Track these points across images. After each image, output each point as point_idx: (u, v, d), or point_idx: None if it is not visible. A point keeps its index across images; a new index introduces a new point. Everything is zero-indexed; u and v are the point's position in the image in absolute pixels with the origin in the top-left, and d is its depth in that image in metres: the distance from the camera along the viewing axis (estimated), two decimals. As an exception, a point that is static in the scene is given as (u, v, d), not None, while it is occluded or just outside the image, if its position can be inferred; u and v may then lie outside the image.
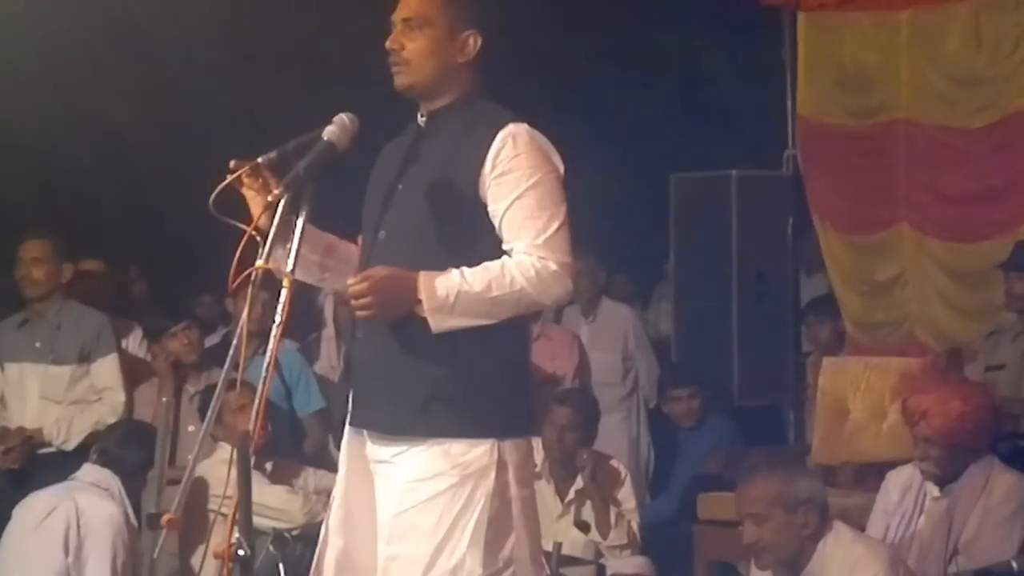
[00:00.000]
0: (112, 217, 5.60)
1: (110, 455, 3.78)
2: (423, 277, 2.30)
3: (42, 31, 4.84)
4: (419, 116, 2.48)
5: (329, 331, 4.80)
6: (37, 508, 3.64)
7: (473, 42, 2.43)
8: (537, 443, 3.76)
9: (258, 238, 2.24)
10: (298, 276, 2.25)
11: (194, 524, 3.40)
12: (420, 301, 2.29)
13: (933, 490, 3.24)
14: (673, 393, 5.04)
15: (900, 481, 3.33)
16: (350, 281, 2.31)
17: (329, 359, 4.77)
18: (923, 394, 3.24)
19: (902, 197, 5.08)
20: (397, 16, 2.43)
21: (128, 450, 3.79)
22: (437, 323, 2.30)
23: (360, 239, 2.54)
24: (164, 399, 3.86)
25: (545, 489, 3.86)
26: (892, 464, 3.48)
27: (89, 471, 3.71)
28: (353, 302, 2.29)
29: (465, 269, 2.32)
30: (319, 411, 4.35)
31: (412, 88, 2.43)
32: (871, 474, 3.88)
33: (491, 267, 2.32)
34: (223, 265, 2.20)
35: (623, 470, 3.98)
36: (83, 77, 5.08)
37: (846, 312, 5.19)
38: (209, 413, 2.25)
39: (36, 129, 5.11)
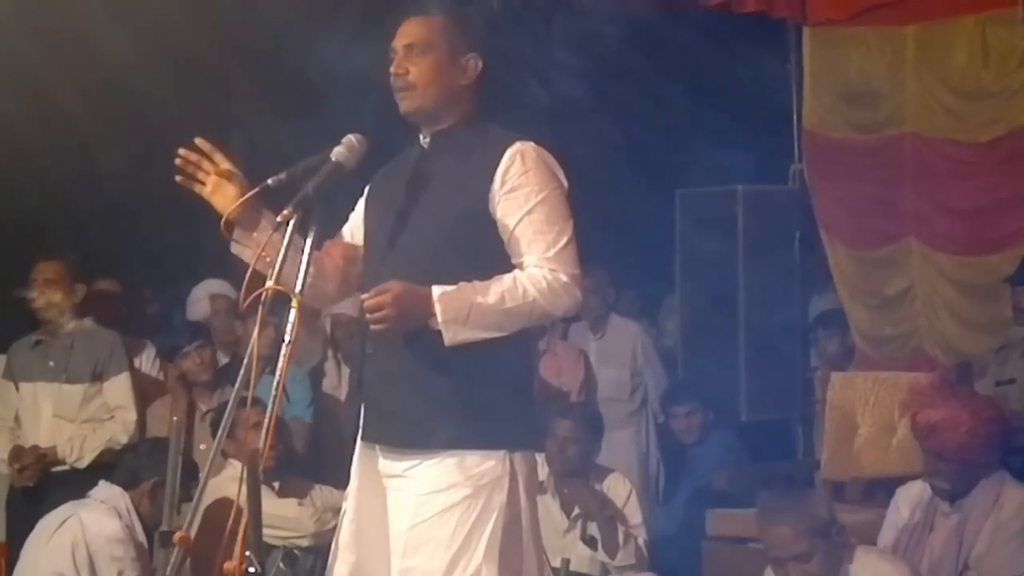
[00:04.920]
0: (125, 238, 5.63)
1: (124, 467, 3.80)
2: (437, 291, 2.33)
3: (56, 51, 4.88)
4: (421, 138, 2.52)
5: (329, 352, 4.83)
6: (48, 526, 3.66)
7: (474, 65, 2.48)
8: (541, 458, 3.76)
9: (268, 259, 2.27)
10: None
11: (216, 542, 3.39)
12: (435, 314, 2.32)
13: (943, 505, 3.23)
14: (673, 410, 5.05)
15: (910, 496, 3.33)
16: (365, 296, 2.34)
17: (330, 380, 4.79)
18: (933, 409, 3.23)
19: (910, 211, 5.08)
20: (398, 43, 2.48)
21: (141, 461, 3.81)
22: (451, 336, 2.33)
23: (349, 254, 2.56)
24: (175, 418, 3.87)
25: (551, 504, 3.86)
26: (902, 479, 3.47)
27: (101, 489, 3.73)
28: (369, 316, 2.32)
29: (478, 282, 2.36)
30: (303, 421, 4.35)
31: (418, 111, 2.48)
32: (880, 489, 3.88)
33: (503, 280, 2.37)
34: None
35: (627, 484, 3.97)
36: (92, 103, 5.13)
37: (854, 326, 5.18)
38: (220, 431, 2.27)
39: (49, 152, 5.15)
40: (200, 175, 2.45)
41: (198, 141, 2.45)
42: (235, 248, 2.46)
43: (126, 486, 3.72)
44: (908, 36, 5.07)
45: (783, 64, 5.42)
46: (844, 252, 5.25)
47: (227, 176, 2.44)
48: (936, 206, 5.02)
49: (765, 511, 3.02)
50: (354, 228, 2.60)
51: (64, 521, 3.61)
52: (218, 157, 2.45)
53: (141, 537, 3.69)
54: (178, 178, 2.45)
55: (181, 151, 2.45)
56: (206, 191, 2.44)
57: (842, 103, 5.26)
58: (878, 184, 5.16)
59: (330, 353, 4.83)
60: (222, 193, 2.43)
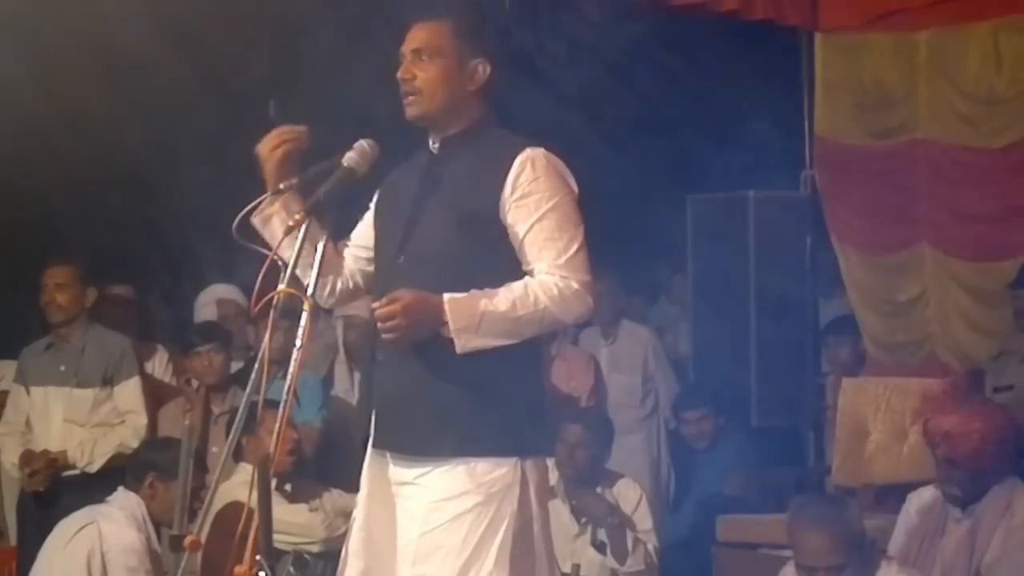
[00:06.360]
0: (139, 241, 5.65)
1: (140, 461, 3.81)
2: (448, 299, 2.33)
3: (74, 51, 4.89)
4: (430, 144, 2.52)
5: (340, 356, 4.82)
6: (65, 531, 3.67)
7: (482, 70, 2.48)
8: (551, 462, 3.76)
9: (280, 263, 2.27)
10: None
11: (227, 547, 3.39)
12: (446, 322, 2.32)
13: (955, 512, 3.22)
14: (685, 415, 5.04)
15: (921, 503, 3.32)
16: (376, 304, 2.34)
17: (342, 383, 4.79)
18: (944, 415, 3.23)
19: (922, 217, 5.06)
20: (407, 47, 2.48)
21: (143, 458, 3.82)
22: (463, 344, 2.33)
23: (367, 262, 2.56)
24: (187, 422, 3.88)
25: (561, 509, 3.86)
26: (913, 485, 3.47)
27: (119, 497, 3.73)
28: (380, 325, 2.32)
29: (489, 290, 2.35)
30: (313, 426, 4.36)
31: (425, 116, 2.47)
32: (892, 496, 3.87)
33: (514, 287, 2.36)
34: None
35: (637, 489, 3.96)
36: (104, 104, 5.15)
37: (866, 332, 5.16)
38: (231, 437, 2.28)
39: (62, 156, 5.16)
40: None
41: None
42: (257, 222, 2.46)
43: (129, 484, 3.72)
44: (920, 42, 5.05)
45: (794, 70, 5.41)
46: (856, 258, 5.23)
47: (281, 145, 2.45)
48: (949, 212, 5.00)
49: (800, 517, 2.99)
50: (365, 233, 2.60)
51: (82, 528, 3.61)
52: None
53: (157, 546, 3.69)
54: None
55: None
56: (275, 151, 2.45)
57: (854, 109, 5.25)
58: (890, 190, 5.14)
59: (342, 356, 4.83)
60: (272, 159, 2.45)
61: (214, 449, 4.24)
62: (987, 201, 4.91)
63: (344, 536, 2.59)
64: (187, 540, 2.23)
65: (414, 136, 2.55)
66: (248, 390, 2.24)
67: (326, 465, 4.32)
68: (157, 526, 3.71)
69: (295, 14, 5.10)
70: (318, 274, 2.31)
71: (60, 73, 4.98)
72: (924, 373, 4.75)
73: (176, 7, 4.68)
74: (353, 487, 2.60)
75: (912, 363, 5.04)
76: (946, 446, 3.17)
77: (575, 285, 2.37)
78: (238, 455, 3.86)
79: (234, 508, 3.43)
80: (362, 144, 2.38)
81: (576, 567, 3.66)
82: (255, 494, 2.09)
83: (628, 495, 3.93)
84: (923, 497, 3.32)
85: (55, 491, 4.27)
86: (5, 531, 4.67)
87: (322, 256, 2.32)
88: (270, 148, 2.45)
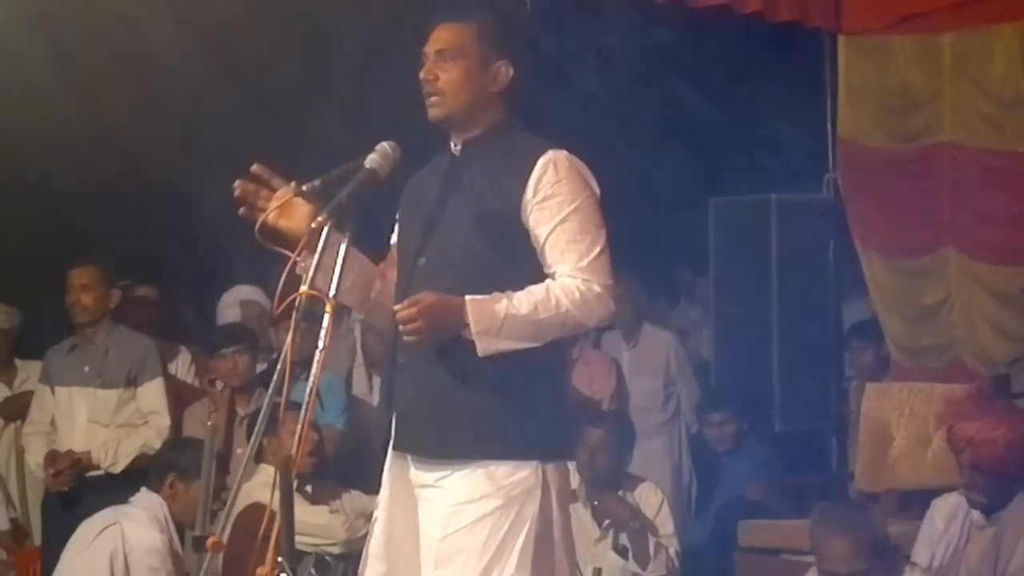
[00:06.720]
0: (162, 244, 5.68)
1: (161, 461, 3.82)
2: (470, 301, 2.33)
3: (106, 55, 4.93)
4: (452, 145, 2.52)
5: (359, 359, 4.83)
6: (88, 531, 3.69)
7: (505, 72, 2.48)
8: (572, 466, 3.75)
9: (302, 264, 2.28)
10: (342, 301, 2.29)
11: (248, 548, 3.40)
12: (467, 325, 2.32)
13: (979, 518, 3.20)
14: (707, 418, 5.03)
15: (945, 509, 3.30)
16: (397, 307, 2.33)
17: (360, 386, 4.80)
18: (968, 421, 3.21)
19: (947, 221, 5.03)
20: (430, 48, 2.48)
21: (164, 458, 3.84)
22: (484, 346, 2.33)
23: (389, 263, 2.56)
24: (209, 423, 3.90)
25: (583, 513, 3.85)
26: (937, 491, 3.45)
27: (141, 497, 3.75)
28: (402, 327, 2.32)
29: (511, 292, 2.35)
30: (335, 428, 4.37)
31: (447, 118, 2.47)
32: (915, 501, 3.84)
33: (536, 290, 2.36)
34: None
35: (658, 494, 3.95)
36: (132, 107, 5.18)
37: (890, 337, 5.13)
38: (252, 438, 2.28)
39: (90, 159, 5.20)
40: (260, 204, 2.37)
41: (254, 168, 2.37)
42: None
43: (151, 485, 3.74)
44: (945, 44, 5.02)
45: (817, 72, 5.39)
46: (879, 262, 5.20)
47: (291, 201, 2.35)
48: (974, 216, 4.96)
49: (823, 523, 2.98)
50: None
51: (105, 528, 3.63)
52: (276, 182, 2.38)
53: (179, 547, 3.71)
54: (241, 211, 2.37)
55: (238, 183, 2.36)
56: (270, 219, 2.35)
57: (878, 112, 5.22)
58: (914, 193, 5.11)
59: (360, 359, 4.84)
60: (289, 216, 2.37)
61: (239, 451, 4.25)
62: (1012, 204, 4.87)
63: (365, 538, 2.60)
64: (209, 541, 2.24)
65: (439, 139, 2.55)
66: (270, 391, 2.25)
67: (347, 467, 4.33)
68: (179, 527, 3.72)
69: (325, 21, 5.12)
70: (341, 275, 2.31)
71: (90, 77, 5.02)
72: (949, 378, 4.72)
73: (207, 14, 4.71)
74: (374, 489, 2.60)
75: (936, 368, 5.00)
76: (970, 452, 3.15)
77: (597, 288, 2.36)
78: (258, 457, 3.87)
79: (255, 509, 3.44)
80: (384, 146, 2.38)
81: (598, 571, 3.65)
82: (276, 495, 2.10)
83: (649, 499, 3.92)
84: (947, 503, 3.30)
85: (79, 491, 4.29)
86: (30, 531, 4.71)
87: (345, 258, 2.32)
88: (280, 213, 2.32)
